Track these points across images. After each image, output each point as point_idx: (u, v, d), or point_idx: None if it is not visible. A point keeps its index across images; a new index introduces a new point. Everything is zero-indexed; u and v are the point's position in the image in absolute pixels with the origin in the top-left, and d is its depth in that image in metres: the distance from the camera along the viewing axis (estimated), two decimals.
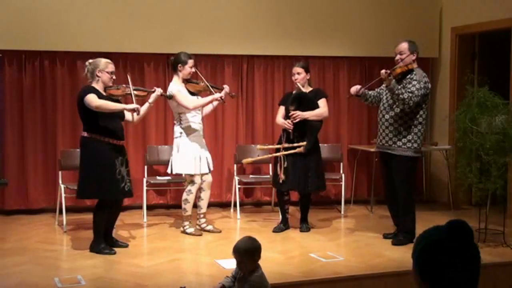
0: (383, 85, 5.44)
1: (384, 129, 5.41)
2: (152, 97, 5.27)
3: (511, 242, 5.32)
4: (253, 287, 3.47)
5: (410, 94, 5.15)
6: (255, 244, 3.53)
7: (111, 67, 5.06)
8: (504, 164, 5.23)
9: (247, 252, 3.46)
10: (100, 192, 4.95)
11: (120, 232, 5.76)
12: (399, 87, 5.21)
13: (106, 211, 5.04)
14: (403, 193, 5.37)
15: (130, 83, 5.17)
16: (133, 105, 4.96)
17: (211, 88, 5.76)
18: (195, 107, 5.65)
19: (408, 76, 5.29)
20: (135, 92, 5.17)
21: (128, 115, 5.19)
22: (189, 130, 5.71)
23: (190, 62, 5.72)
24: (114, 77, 5.11)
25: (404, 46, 5.37)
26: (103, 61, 5.05)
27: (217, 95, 5.67)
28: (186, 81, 5.75)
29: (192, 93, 5.76)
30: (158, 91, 5.32)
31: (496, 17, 6.64)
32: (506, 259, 4.89)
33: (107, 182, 4.92)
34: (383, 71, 5.24)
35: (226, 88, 5.82)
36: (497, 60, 6.87)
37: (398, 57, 5.37)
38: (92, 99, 4.82)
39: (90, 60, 5.07)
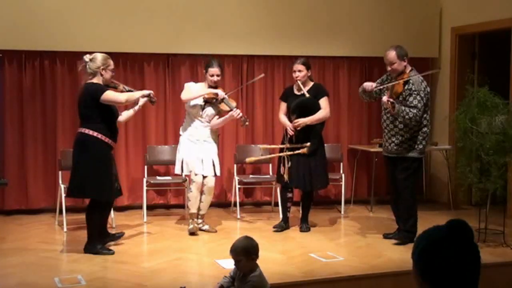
0: (381, 88, 5.40)
1: (390, 137, 5.39)
2: (141, 101, 5.25)
3: (511, 242, 5.32)
4: (253, 287, 3.47)
5: (415, 111, 5.12)
6: (252, 243, 3.54)
7: (112, 64, 5.04)
8: (504, 164, 5.23)
9: (244, 251, 3.48)
10: (100, 192, 4.91)
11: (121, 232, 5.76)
12: (403, 108, 5.14)
13: (101, 211, 5.02)
14: (405, 193, 5.36)
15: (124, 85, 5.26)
16: (148, 91, 5.11)
17: (223, 102, 5.76)
18: (186, 98, 5.72)
19: (406, 87, 5.23)
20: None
21: (120, 116, 5.23)
22: (184, 131, 5.83)
23: (210, 70, 5.74)
24: (114, 73, 5.13)
25: (391, 55, 5.30)
26: (103, 58, 4.98)
27: (215, 90, 5.67)
28: (209, 87, 5.80)
29: (205, 101, 5.76)
30: (146, 93, 5.22)
31: (496, 17, 6.64)
32: (506, 259, 4.89)
33: (105, 182, 4.91)
34: (385, 99, 5.18)
35: (235, 112, 5.67)
36: (497, 60, 6.87)
37: (389, 68, 5.33)
38: (115, 95, 4.88)
39: (90, 56, 4.95)
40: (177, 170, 5.88)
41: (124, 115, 5.33)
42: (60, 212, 6.02)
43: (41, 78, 6.54)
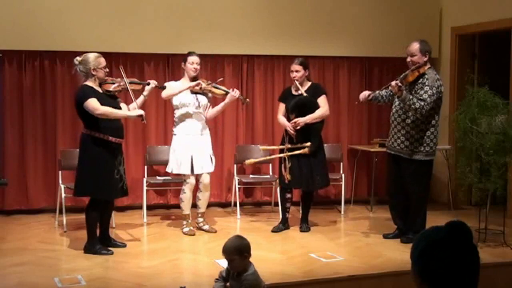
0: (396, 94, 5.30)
1: (396, 132, 5.35)
2: (147, 90, 5.28)
3: (511, 242, 5.32)
4: (249, 286, 3.47)
5: (422, 103, 5.05)
6: (244, 242, 3.56)
7: (103, 62, 4.99)
8: (504, 164, 5.22)
9: (236, 249, 3.49)
10: (98, 191, 4.94)
11: (120, 232, 5.77)
12: (411, 97, 5.10)
13: (99, 210, 5.03)
14: (415, 195, 5.34)
15: (124, 77, 5.18)
16: (138, 112, 4.99)
17: (212, 88, 5.77)
18: (166, 95, 5.68)
19: (419, 81, 5.19)
20: (131, 85, 5.17)
21: (124, 109, 5.18)
22: (180, 129, 5.74)
23: (190, 59, 5.74)
24: (107, 70, 5.07)
25: (415, 47, 5.25)
26: (93, 57, 4.95)
27: (195, 82, 5.66)
28: (192, 79, 5.77)
29: (195, 93, 5.74)
30: (153, 83, 5.33)
31: (496, 17, 6.64)
32: (506, 259, 4.88)
33: (106, 182, 4.92)
34: (393, 83, 5.11)
35: (234, 92, 5.76)
36: (497, 60, 6.87)
37: (409, 59, 5.26)
38: (94, 106, 4.79)
39: (79, 58, 4.96)
40: (173, 169, 5.79)
41: (131, 107, 5.26)
42: (60, 212, 6.02)
43: (41, 78, 6.54)
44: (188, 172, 5.70)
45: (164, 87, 5.63)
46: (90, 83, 4.94)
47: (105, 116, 4.84)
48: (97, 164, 4.89)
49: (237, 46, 6.93)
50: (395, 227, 5.61)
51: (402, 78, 5.21)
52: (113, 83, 5.11)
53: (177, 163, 5.72)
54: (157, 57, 6.81)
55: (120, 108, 5.09)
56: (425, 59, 5.24)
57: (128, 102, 5.46)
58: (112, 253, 4.95)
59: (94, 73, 4.93)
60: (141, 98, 5.27)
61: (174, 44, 6.70)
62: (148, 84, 5.32)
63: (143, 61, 6.78)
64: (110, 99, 5.01)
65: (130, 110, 5.23)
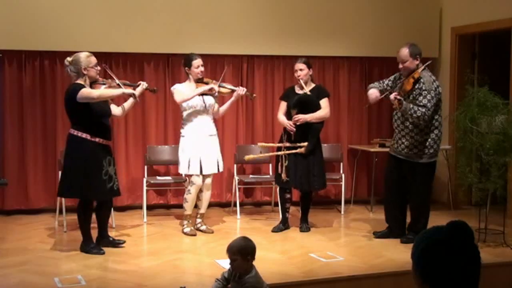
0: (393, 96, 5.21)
1: (401, 138, 5.33)
2: (137, 91, 5.20)
3: (511, 242, 5.32)
4: None
5: (424, 110, 5.03)
6: (249, 244, 3.54)
7: (94, 60, 4.96)
8: (504, 164, 5.22)
9: (240, 251, 3.47)
10: (85, 192, 4.89)
11: (120, 232, 5.76)
12: (411, 106, 5.07)
13: (89, 211, 5.02)
14: (420, 196, 5.34)
15: (113, 76, 5.19)
16: (131, 90, 4.98)
17: (217, 87, 5.79)
18: (182, 100, 5.64)
19: (416, 87, 5.16)
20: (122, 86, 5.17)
21: (114, 110, 5.17)
22: (188, 130, 5.73)
23: (194, 62, 5.74)
24: (98, 68, 5.05)
25: (404, 53, 5.23)
26: (84, 56, 4.93)
27: (208, 87, 5.69)
28: (197, 81, 5.77)
29: (203, 94, 5.74)
30: (144, 84, 5.26)
31: (496, 17, 6.64)
32: (506, 259, 4.89)
33: (93, 182, 4.87)
34: (392, 97, 5.08)
35: (240, 89, 5.83)
36: (497, 60, 6.87)
37: (401, 65, 5.25)
38: (88, 91, 4.78)
39: (69, 59, 4.95)
40: (183, 170, 5.78)
41: (121, 108, 5.25)
42: (60, 212, 6.02)
43: (41, 78, 6.54)
44: (197, 172, 5.69)
45: (154, 90, 5.56)
46: (80, 82, 4.91)
47: (102, 97, 4.84)
48: (82, 165, 4.84)
49: (237, 46, 6.93)
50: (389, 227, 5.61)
51: (399, 89, 5.20)
52: (104, 84, 5.10)
53: (186, 164, 5.69)
54: (157, 57, 6.81)
55: (109, 108, 5.10)
56: (417, 62, 5.24)
57: (120, 103, 5.43)
58: (103, 253, 4.93)
59: (85, 72, 4.91)
60: (131, 100, 5.25)
61: (174, 44, 6.70)
62: (139, 85, 5.24)
63: (143, 61, 6.78)
64: (111, 89, 5.02)
65: (121, 111, 5.27)
